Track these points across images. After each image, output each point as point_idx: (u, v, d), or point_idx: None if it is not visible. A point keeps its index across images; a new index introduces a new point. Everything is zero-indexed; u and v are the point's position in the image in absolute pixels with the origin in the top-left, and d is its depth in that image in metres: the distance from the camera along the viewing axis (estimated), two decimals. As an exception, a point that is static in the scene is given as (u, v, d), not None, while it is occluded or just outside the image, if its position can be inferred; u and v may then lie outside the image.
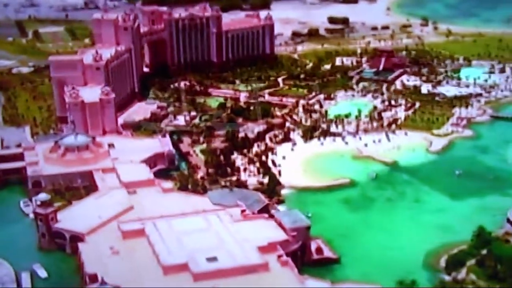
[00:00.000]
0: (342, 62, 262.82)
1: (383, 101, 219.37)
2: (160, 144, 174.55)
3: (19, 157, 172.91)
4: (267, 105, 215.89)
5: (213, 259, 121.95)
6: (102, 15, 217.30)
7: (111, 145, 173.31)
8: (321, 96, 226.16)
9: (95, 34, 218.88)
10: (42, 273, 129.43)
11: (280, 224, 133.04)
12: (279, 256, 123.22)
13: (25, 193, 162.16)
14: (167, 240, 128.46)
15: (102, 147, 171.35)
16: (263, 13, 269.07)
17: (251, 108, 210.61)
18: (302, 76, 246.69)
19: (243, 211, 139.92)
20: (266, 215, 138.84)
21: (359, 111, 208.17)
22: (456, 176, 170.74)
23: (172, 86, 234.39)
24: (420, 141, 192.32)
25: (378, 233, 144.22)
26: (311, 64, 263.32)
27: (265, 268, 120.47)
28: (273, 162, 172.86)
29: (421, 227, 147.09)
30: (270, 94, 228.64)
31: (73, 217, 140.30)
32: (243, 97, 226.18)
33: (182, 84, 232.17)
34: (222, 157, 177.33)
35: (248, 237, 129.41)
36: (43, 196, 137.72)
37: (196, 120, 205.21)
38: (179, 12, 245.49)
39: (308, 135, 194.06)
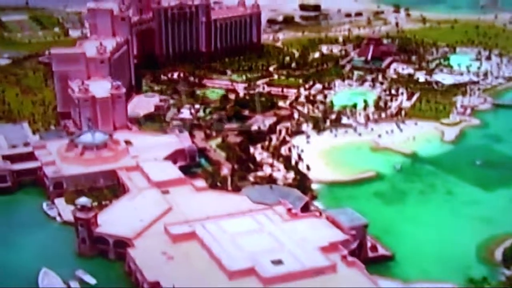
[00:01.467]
0: (331, 51, 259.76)
1: (384, 90, 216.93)
2: (180, 140, 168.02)
3: (29, 156, 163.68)
4: (269, 96, 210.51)
5: (278, 262, 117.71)
6: (97, 4, 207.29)
7: (128, 142, 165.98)
8: (319, 86, 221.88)
9: (89, 25, 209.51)
10: (91, 280, 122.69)
11: (334, 223, 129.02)
12: (344, 257, 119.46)
13: (44, 195, 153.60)
14: (223, 243, 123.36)
15: (120, 144, 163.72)
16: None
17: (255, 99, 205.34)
18: (293, 65, 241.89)
19: (289, 209, 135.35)
20: (317, 213, 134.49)
21: (365, 101, 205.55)
22: (477, 166, 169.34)
23: (165, 77, 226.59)
24: (432, 130, 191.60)
25: (422, 228, 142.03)
26: (297, 53, 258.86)
27: (333, 269, 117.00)
28: (299, 156, 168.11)
29: (463, 220, 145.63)
30: (267, 84, 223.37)
31: (113, 221, 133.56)
32: (240, 88, 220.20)
33: (176, 75, 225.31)
34: (241, 152, 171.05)
35: (305, 237, 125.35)
36: (84, 200, 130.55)
37: (200, 113, 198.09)
38: (168, 1, 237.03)
39: (319, 127, 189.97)
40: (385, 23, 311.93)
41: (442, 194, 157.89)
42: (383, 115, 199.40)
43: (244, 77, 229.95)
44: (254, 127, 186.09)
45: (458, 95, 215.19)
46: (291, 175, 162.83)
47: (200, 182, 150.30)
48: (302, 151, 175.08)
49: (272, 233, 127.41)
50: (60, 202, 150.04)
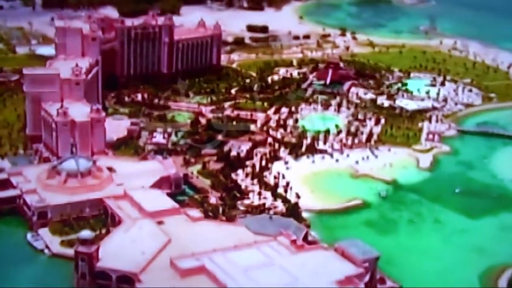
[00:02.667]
0: (291, 74, 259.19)
1: (353, 115, 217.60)
2: (164, 167, 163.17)
3: (4, 183, 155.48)
4: (239, 120, 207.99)
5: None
6: (67, 23, 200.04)
7: (111, 169, 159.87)
8: (285, 110, 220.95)
9: (57, 44, 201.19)
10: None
11: (344, 255, 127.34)
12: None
13: (25, 225, 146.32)
14: (236, 278, 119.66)
15: (103, 171, 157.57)
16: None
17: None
18: (255, 88, 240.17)
19: (293, 241, 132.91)
20: (325, 245, 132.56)
21: (337, 126, 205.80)
22: (458, 194, 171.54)
23: (129, 99, 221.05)
24: (406, 157, 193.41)
25: (419, 258, 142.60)
26: (255, 75, 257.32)
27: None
28: (287, 184, 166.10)
29: (457, 249, 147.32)
30: (233, 108, 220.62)
31: (113, 254, 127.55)
32: (206, 111, 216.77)
33: (140, 97, 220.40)
34: (225, 179, 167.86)
35: (318, 271, 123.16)
36: (86, 233, 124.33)
37: (173, 137, 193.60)
38: (132, 20, 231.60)
39: (295, 152, 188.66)
40: (334, 46, 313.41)
41: (430, 223, 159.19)
42: (355, 140, 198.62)
43: (207, 100, 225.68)
44: (233, 153, 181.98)
45: (422, 120, 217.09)
46: (278, 203, 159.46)
47: (195, 212, 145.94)
48: (283, 177, 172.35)
49: (283, 267, 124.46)
50: (45, 232, 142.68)
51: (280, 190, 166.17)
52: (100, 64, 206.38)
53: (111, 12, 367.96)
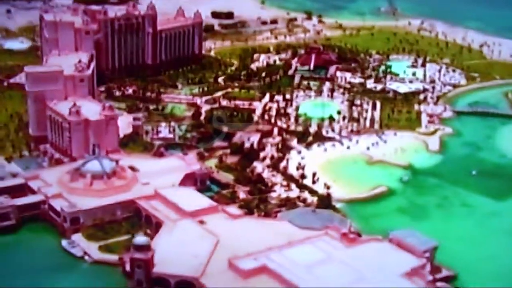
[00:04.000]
0: (275, 61, 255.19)
1: (350, 101, 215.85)
2: (186, 163, 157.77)
3: (21, 189, 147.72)
4: (237, 110, 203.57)
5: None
6: (59, 17, 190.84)
7: (133, 168, 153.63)
8: (278, 98, 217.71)
9: (48, 39, 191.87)
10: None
11: (401, 246, 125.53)
12: (433, 281, 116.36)
13: (53, 232, 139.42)
14: (300, 275, 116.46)
15: (126, 171, 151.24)
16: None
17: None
18: (242, 77, 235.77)
19: (344, 234, 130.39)
20: (379, 237, 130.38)
21: (339, 113, 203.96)
22: (476, 176, 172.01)
23: (119, 93, 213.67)
24: (413, 141, 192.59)
25: (462, 244, 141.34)
26: (236, 63, 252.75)
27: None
28: (314, 175, 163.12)
29: (494, 233, 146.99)
30: (225, 97, 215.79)
31: (165, 259, 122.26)
32: (200, 102, 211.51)
33: (131, 90, 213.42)
34: (246, 173, 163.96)
35: (380, 264, 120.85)
36: (142, 239, 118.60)
37: (177, 131, 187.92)
38: (115, 11, 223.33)
39: (304, 141, 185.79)
40: (304, 30, 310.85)
41: (459, 206, 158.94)
42: (359, 126, 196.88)
43: (199, 91, 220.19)
44: (246, 145, 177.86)
45: (419, 103, 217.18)
46: (305, 194, 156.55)
47: (233, 209, 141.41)
48: (304, 168, 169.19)
49: (344, 261, 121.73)
50: (79, 238, 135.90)
51: (303, 181, 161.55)
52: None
53: (65, 2, 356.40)
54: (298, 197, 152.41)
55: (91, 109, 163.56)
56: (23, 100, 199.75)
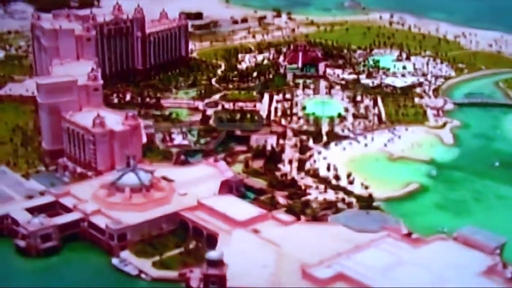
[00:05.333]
0: (262, 61, 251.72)
1: (351, 98, 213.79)
2: (218, 170, 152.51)
3: (53, 207, 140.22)
4: (244, 112, 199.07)
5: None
6: (59, 25, 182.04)
7: (166, 179, 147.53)
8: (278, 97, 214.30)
9: (47, 48, 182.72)
10: None
11: (469, 243, 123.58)
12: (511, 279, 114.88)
13: (96, 250, 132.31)
14: (379, 281, 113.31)
15: (161, 182, 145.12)
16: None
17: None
18: (234, 78, 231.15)
19: (405, 235, 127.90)
20: (443, 236, 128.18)
21: (347, 110, 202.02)
22: (499, 167, 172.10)
23: (116, 99, 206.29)
24: (425, 135, 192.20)
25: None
26: (222, 64, 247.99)
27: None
28: (348, 176, 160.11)
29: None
30: (224, 100, 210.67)
31: (235, 272, 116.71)
32: (201, 106, 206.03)
33: (129, 97, 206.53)
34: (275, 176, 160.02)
35: (454, 264, 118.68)
36: (215, 254, 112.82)
37: (189, 137, 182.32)
38: (103, 16, 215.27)
39: (319, 141, 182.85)
40: (278, 28, 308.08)
41: (494, 199, 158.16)
42: (367, 123, 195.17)
43: (194, 94, 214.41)
44: (268, 148, 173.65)
45: (415, 97, 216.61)
46: (342, 195, 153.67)
47: (283, 215, 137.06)
48: (336, 168, 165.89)
49: (417, 263, 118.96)
50: (128, 256, 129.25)
51: (332, 180, 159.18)
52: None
53: (23, 7, 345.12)
54: (343, 199, 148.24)
55: (110, 119, 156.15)
56: (19, 112, 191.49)
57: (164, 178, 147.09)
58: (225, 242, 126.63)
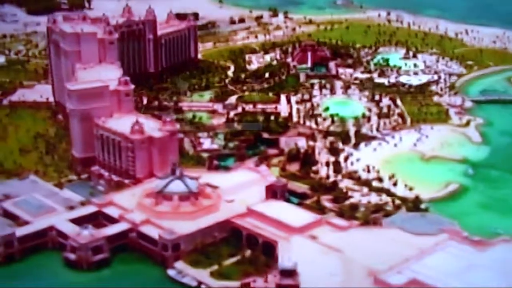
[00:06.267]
0: (271, 61, 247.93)
1: (368, 97, 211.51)
2: (261, 175, 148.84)
3: (95, 217, 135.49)
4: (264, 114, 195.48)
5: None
6: (80, 28, 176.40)
7: (210, 185, 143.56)
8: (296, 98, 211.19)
9: (69, 52, 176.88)
10: None
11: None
12: None
13: (146, 261, 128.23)
14: (456, 286, 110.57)
15: (206, 188, 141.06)
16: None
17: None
18: (247, 79, 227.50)
19: (465, 237, 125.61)
20: (506, 237, 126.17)
21: (370, 110, 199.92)
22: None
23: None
24: (452, 133, 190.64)
25: None
26: (230, 66, 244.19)
27: None
28: (390, 177, 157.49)
29: None
30: (242, 102, 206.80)
31: (304, 281, 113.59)
32: (220, 108, 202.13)
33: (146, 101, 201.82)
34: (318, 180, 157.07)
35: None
36: (289, 263, 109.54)
37: (217, 141, 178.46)
38: (116, 19, 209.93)
39: (348, 142, 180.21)
40: (277, 28, 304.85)
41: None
42: (388, 123, 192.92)
43: (208, 96, 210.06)
44: (302, 150, 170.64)
45: (440, 96, 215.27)
46: (385, 197, 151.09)
47: (337, 220, 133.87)
48: (377, 170, 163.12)
49: (489, 266, 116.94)
50: (183, 266, 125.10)
51: (373, 182, 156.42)
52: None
53: (13, 10, 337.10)
54: (393, 202, 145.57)
55: (146, 125, 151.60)
56: (36, 119, 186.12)
57: (208, 184, 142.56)
58: (285, 250, 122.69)
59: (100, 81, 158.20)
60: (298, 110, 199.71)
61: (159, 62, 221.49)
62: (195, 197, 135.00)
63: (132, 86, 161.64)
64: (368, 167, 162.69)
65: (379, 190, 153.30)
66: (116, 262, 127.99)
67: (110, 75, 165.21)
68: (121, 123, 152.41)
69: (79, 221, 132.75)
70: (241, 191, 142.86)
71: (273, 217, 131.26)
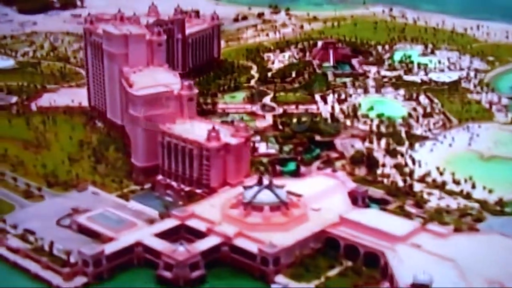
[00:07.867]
0: (295, 60, 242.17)
1: (407, 97, 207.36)
2: (340, 181, 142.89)
3: (178, 231, 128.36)
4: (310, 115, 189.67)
5: None
6: (127, 29, 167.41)
7: (293, 193, 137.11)
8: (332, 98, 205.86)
9: (116, 54, 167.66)
10: None
11: None
12: None
13: (239, 276, 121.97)
14: None
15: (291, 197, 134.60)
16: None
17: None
18: (275, 79, 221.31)
19: None
20: None
21: (415, 110, 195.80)
22: None
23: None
24: (501, 132, 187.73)
25: None
26: (251, 65, 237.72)
27: None
28: (466, 180, 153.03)
29: None
30: (276, 102, 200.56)
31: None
32: (256, 109, 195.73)
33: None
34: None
35: None
36: (425, 277, 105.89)
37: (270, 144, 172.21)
38: (146, 19, 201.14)
39: (402, 143, 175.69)
40: (283, 25, 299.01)
41: None
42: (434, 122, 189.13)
43: (240, 97, 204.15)
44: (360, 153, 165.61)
45: (477, 93, 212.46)
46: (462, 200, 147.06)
47: (436, 227, 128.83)
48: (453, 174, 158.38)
49: None
50: (285, 281, 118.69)
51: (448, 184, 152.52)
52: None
53: (4, 10, 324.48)
54: (481, 205, 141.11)
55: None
56: (75, 125, 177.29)
57: (291, 192, 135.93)
58: (396, 261, 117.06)
59: (164, 85, 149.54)
60: (341, 110, 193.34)
61: (186, 62, 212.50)
62: (286, 207, 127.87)
63: (196, 91, 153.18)
64: (438, 168, 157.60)
65: (456, 194, 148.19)
66: (212, 278, 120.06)
67: (166, 78, 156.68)
68: (189, 129, 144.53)
69: (163, 236, 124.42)
70: (324, 198, 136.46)
71: (371, 226, 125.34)
